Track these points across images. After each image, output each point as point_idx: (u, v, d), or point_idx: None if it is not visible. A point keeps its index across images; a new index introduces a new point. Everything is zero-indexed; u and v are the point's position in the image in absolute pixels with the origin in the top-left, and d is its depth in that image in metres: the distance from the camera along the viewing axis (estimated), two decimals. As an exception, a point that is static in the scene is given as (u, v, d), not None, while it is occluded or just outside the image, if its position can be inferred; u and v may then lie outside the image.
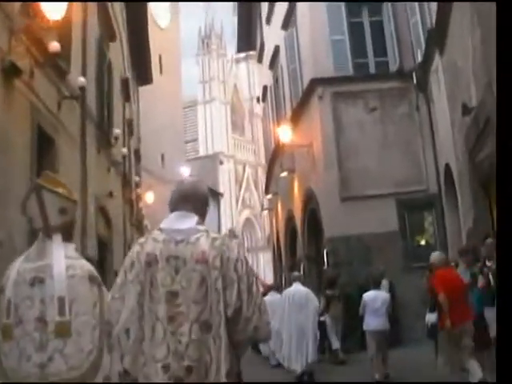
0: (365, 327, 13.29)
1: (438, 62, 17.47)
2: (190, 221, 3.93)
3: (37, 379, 4.00)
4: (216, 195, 60.70)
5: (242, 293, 3.71)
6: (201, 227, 3.91)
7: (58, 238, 4.47)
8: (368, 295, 13.37)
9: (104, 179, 19.75)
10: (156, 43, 43.49)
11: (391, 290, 17.18)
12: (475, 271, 10.61)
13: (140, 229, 33.18)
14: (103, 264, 19.56)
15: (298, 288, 14.74)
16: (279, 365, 16.08)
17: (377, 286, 13.94)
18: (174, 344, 3.62)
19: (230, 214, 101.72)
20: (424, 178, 20.43)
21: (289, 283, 19.00)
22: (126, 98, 26.72)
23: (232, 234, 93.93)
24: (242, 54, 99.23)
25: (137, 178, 26.36)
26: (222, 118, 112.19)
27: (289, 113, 25.19)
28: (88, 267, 4.55)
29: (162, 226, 4.00)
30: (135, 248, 3.97)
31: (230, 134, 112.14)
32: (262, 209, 55.07)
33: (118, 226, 22.23)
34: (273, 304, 16.33)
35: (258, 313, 3.74)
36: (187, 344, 3.60)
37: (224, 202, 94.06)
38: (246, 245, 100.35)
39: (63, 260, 4.37)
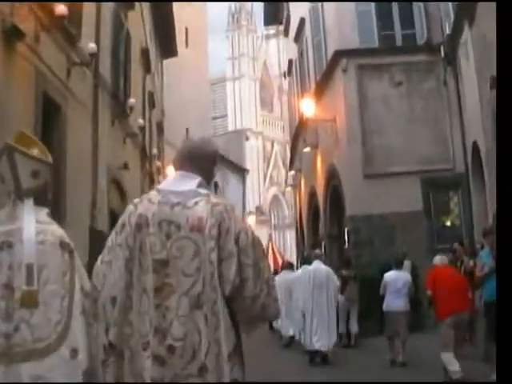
0: (385, 308, 12.93)
1: (467, 34, 16.55)
2: (190, 182, 3.53)
3: (1, 349, 3.71)
4: (241, 171, 60.18)
5: (245, 268, 3.34)
6: (202, 190, 3.51)
7: (29, 202, 4.09)
8: (389, 275, 13.05)
9: (119, 150, 19.26)
10: (182, 16, 43.29)
11: (413, 271, 16.29)
12: (499, 254, 9.98)
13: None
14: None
15: (318, 266, 14.19)
16: (290, 343, 16.00)
17: (399, 266, 13.46)
18: (157, 319, 3.27)
19: (257, 190, 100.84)
20: (451, 156, 19.65)
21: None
22: (147, 69, 26.17)
23: (259, 211, 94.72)
24: (272, 31, 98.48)
25: (155, 151, 25.62)
26: (250, 94, 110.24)
27: (313, 86, 24.45)
28: (60, 233, 4.11)
29: (160, 186, 3.69)
30: (128, 208, 3.65)
31: (258, 110, 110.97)
32: (286, 185, 54.39)
33: (134, 199, 21.53)
34: (288, 282, 16.67)
35: (267, 289, 3.40)
36: (172, 320, 3.24)
37: (251, 179, 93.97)
38: (273, 222, 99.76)
39: (34, 224, 4.00)
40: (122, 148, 19.88)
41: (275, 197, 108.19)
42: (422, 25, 20.50)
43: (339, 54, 20.60)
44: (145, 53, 25.26)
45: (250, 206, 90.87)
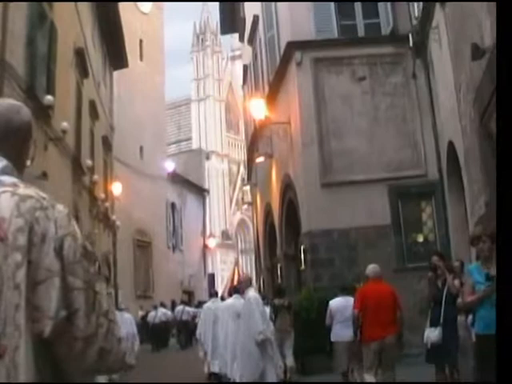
0: (333, 338, 12.13)
1: (439, 15, 14.45)
2: None
3: None
4: (201, 191, 57.57)
5: (74, 293, 2.12)
6: (6, 178, 2.27)
7: None
8: (336, 302, 12.16)
9: (36, 157, 16.42)
10: (135, 27, 41.72)
11: None
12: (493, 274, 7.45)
13: (108, 225, 30.15)
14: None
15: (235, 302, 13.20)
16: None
17: (347, 291, 12.36)
18: None
19: (223, 214, 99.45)
20: (422, 160, 17.49)
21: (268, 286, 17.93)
22: (83, 73, 23.52)
23: (225, 235, 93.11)
24: (238, 52, 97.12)
25: (89, 162, 22.85)
26: (216, 116, 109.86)
27: (267, 89, 21.86)
28: None
29: None
30: None
31: (224, 132, 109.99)
32: (242, 203, 52.24)
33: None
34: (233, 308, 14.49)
35: (107, 325, 2.16)
36: None
37: (217, 203, 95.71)
38: (239, 247, 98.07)
39: None
40: (42, 155, 17.14)
41: (242, 220, 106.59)
42: (387, 13, 18.33)
43: (292, 47, 18.26)
44: (80, 53, 22.62)
45: (216, 230, 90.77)
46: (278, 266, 21.98)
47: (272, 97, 20.57)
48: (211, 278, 53.79)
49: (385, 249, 16.89)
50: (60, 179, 19.15)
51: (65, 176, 20.24)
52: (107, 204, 28.45)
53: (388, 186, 17.29)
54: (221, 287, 70.62)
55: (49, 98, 16.40)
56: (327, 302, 13.73)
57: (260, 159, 21.98)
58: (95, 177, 24.35)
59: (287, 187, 19.76)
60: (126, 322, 21.79)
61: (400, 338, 10.51)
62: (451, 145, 14.72)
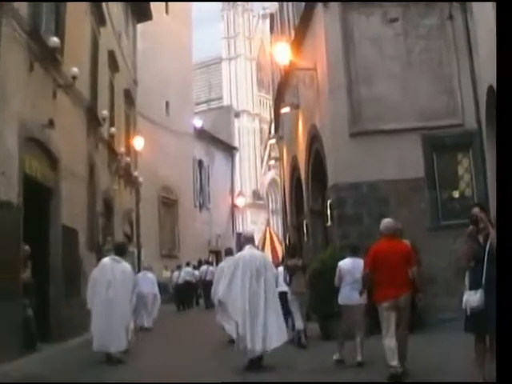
0: (340, 301, 11.46)
1: None
2: None
3: None
4: (230, 149, 56.32)
5: None
6: None
7: None
8: (345, 263, 11.52)
9: (43, 104, 15.53)
10: None
11: (415, 253, 12.77)
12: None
13: (129, 181, 29.08)
14: (43, 212, 16.20)
15: (251, 252, 11.83)
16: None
17: (355, 252, 11.74)
18: None
19: (254, 174, 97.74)
20: (459, 108, 15.91)
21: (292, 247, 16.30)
22: (100, 21, 22.33)
23: (256, 195, 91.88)
24: (269, 10, 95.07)
25: (105, 113, 21.59)
26: (247, 75, 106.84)
27: (293, 34, 20.47)
28: None
29: None
30: None
31: (255, 91, 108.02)
32: (269, 158, 51.20)
33: (72, 168, 17.86)
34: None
35: None
36: None
37: (248, 163, 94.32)
38: (270, 207, 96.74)
39: None
40: (50, 102, 16.07)
41: (273, 180, 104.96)
42: None
43: (319, -13, 16.65)
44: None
45: (247, 189, 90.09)
46: (304, 223, 20.73)
47: (298, 42, 19.22)
48: (239, 238, 52.59)
49: (417, 205, 15.62)
50: (72, 129, 18.25)
51: (77, 126, 19.23)
52: (128, 159, 27.31)
53: (421, 136, 15.87)
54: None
55: (54, 39, 15.23)
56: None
57: (286, 109, 20.74)
58: (112, 129, 23.18)
59: (314, 138, 18.46)
60: (148, 282, 21.15)
61: (418, 296, 9.63)
62: (491, 90, 13.31)
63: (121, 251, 13.59)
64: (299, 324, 14.01)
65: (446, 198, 15.99)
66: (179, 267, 33.31)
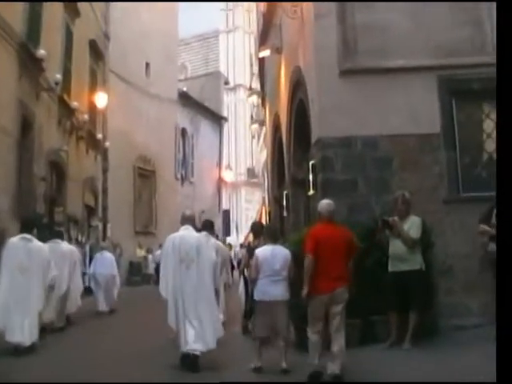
0: (256, 296, 10.01)
1: None
2: None
3: None
4: (218, 119, 52.48)
5: None
6: None
7: None
8: (262, 251, 10.01)
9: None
10: None
11: (425, 235, 10.55)
12: None
13: (93, 145, 25.48)
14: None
15: (184, 234, 10.40)
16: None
17: (275, 237, 10.26)
18: None
19: (249, 152, 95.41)
20: (488, 42, 11.85)
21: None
22: None
23: (251, 173, 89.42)
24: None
25: (42, 52, 17.52)
26: (245, 48, 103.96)
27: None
28: None
29: None
30: None
31: (253, 65, 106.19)
32: (251, 121, 48.98)
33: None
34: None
35: None
36: None
37: (244, 139, 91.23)
38: (266, 185, 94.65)
39: None
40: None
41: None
42: None
43: None
44: None
45: (242, 167, 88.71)
46: (284, 194, 17.02)
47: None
48: (226, 215, 49.09)
49: (430, 169, 11.90)
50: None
51: (2, 59, 15.55)
52: (86, 117, 23.50)
53: (437, 78, 12.00)
54: (243, 227, 66.70)
55: None
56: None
57: (265, 52, 17.37)
58: (58, 76, 19.30)
59: (297, 85, 14.59)
60: (105, 262, 19.01)
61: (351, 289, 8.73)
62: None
63: (27, 227, 11.93)
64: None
65: (469, 162, 12.18)
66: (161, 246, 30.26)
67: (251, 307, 11.05)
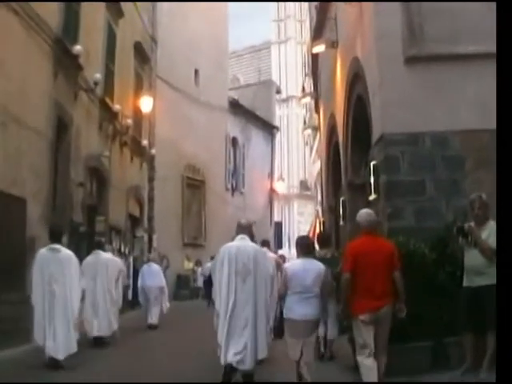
0: (286, 314, 9.11)
1: None
2: None
3: None
4: (269, 128, 51.40)
5: None
6: None
7: None
8: (293, 265, 9.27)
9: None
10: None
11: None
12: None
13: (138, 152, 24.56)
14: None
15: (240, 244, 9.92)
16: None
17: (308, 249, 9.29)
18: None
19: (302, 164, 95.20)
20: None
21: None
22: None
23: (304, 185, 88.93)
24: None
25: (79, 48, 16.43)
26: (297, 59, 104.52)
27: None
28: None
29: None
30: None
31: (306, 66, 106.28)
32: (304, 127, 48.07)
33: (17, 115, 13.69)
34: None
35: None
36: None
37: (297, 151, 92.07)
38: (319, 198, 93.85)
39: None
40: None
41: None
42: None
43: None
44: None
45: (294, 180, 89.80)
46: (341, 201, 15.83)
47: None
48: (278, 227, 47.97)
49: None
50: (22, 61, 13.62)
51: (34, 61, 14.65)
52: (130, 121, 22.49)
53: (517, 66, 10.68)
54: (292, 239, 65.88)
55: None
56: (409, 255, 9.54)
57: (320, 48, 16.25)
58: (97, 75, 18.25)
59: (355, 79, 13.50)
60: (152, 274, 18.71)
61: (400, 306, 8.15)
62: None
63: (55, 236, 11.63)
64: (331, 333, 11.96)
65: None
66: (213, 258, 29.16)
67: (278, 325, 10.19)
